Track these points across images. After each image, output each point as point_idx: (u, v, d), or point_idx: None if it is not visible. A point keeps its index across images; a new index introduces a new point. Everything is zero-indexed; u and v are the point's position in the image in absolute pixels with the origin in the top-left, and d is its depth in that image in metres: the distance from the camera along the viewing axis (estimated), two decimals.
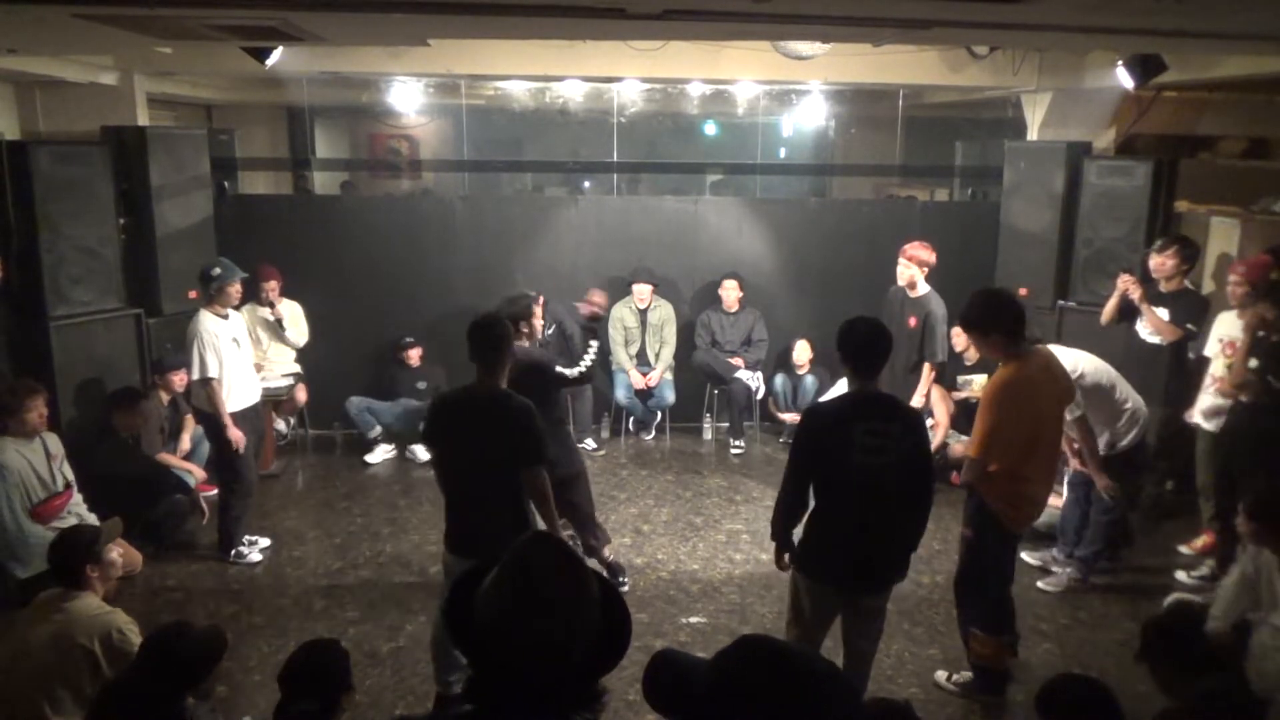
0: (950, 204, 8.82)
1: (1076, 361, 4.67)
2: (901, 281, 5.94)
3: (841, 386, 6.58)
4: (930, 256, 5.87)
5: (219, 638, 3.15)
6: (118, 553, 3.71)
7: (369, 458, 7.08)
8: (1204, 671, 2.98)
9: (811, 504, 3.50)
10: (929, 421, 6.77)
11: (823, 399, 6.54)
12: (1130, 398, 4.89)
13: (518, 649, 1.45)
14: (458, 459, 3.68)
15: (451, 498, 3.73)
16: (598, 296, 7.13)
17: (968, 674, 4.16)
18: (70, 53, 5.93)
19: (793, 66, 6.54)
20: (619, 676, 4.21)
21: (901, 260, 5.90)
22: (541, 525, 3.73)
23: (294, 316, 6.88)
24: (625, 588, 4.98)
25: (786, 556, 3.55)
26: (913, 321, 5.85)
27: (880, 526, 3.38)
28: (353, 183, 10.34)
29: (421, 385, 7.36)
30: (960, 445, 6.58)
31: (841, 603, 3.55)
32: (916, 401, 5.87)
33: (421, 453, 7.08)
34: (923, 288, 5.88)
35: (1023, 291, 6.46)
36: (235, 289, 5.30)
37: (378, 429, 7.14)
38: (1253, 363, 4.94)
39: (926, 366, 5.85)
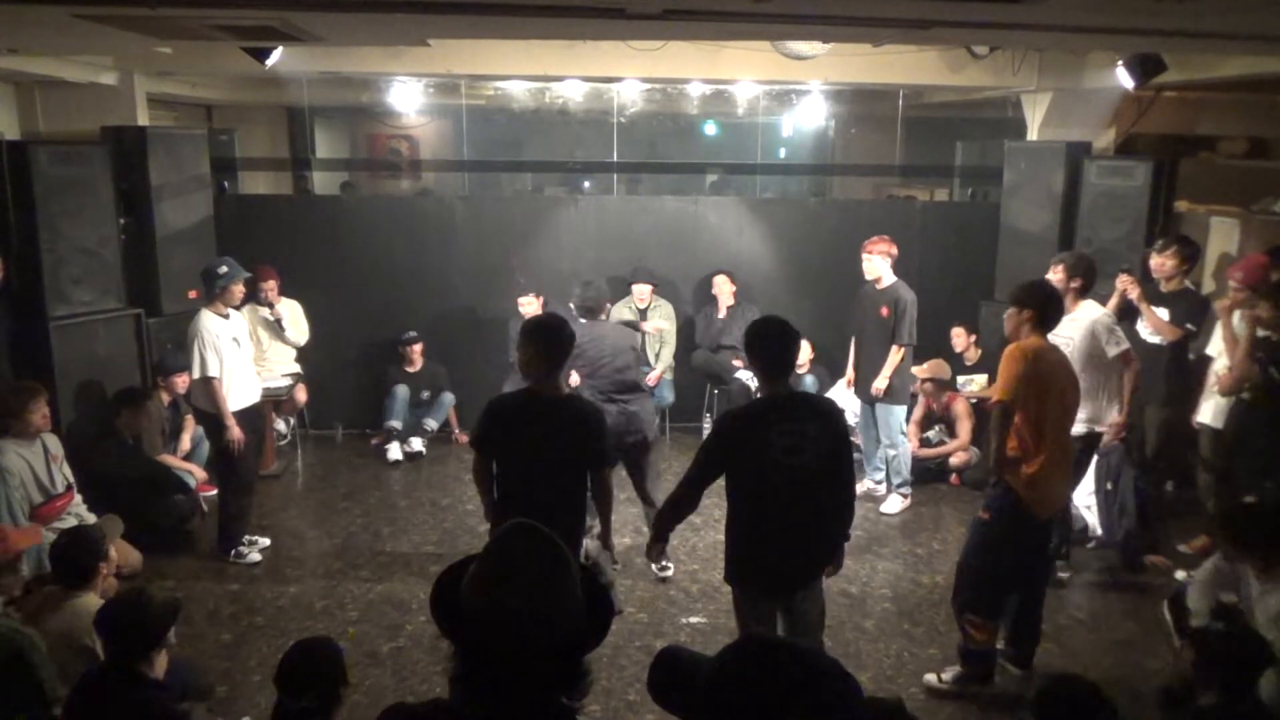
0: (950, 204, 8.82)
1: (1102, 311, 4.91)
2: (869, 276, 6.06)
3: (842, 388, 6.61)
4: (891, 247, 6.00)
5: (171, 602, 3.16)
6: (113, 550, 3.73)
7: (389, 449, 7.07)
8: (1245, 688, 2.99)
9: (729, 513, 3.49)
10: (936, 435, 6.75)
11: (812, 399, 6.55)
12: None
13: (501, 634, 1.50)
14: (524, 464, 3.58)
15: (512, 502, 3.61)
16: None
17: (955, 668, 4.18)
18: (70, 53, 5.93)
19: (793, 66, 6.54)
20: (619, 676, 4.26)
21: (864, 255, 6.02)
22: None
23: (294, 316, 6.87)
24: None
25: (661, 545, 3.62)
26: (884, 311, 5.98)
27: (803, 526, 3.38)
28: (353, 183, 10.33)
29: (425, 394, 7.37)
30: (967, 454, 6.59)
31: (777, 605, 3.54)
32: (880, 382, 5.99)
33: (394, 452, 7.08)
34: (889, 278, 6.01)
35: None
36: (239, 289, 5.31)
37: (399, 424, 7.16)
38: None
39: (894, 349, 5.96)
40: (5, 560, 3.56)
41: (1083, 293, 4.86)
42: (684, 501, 3.49)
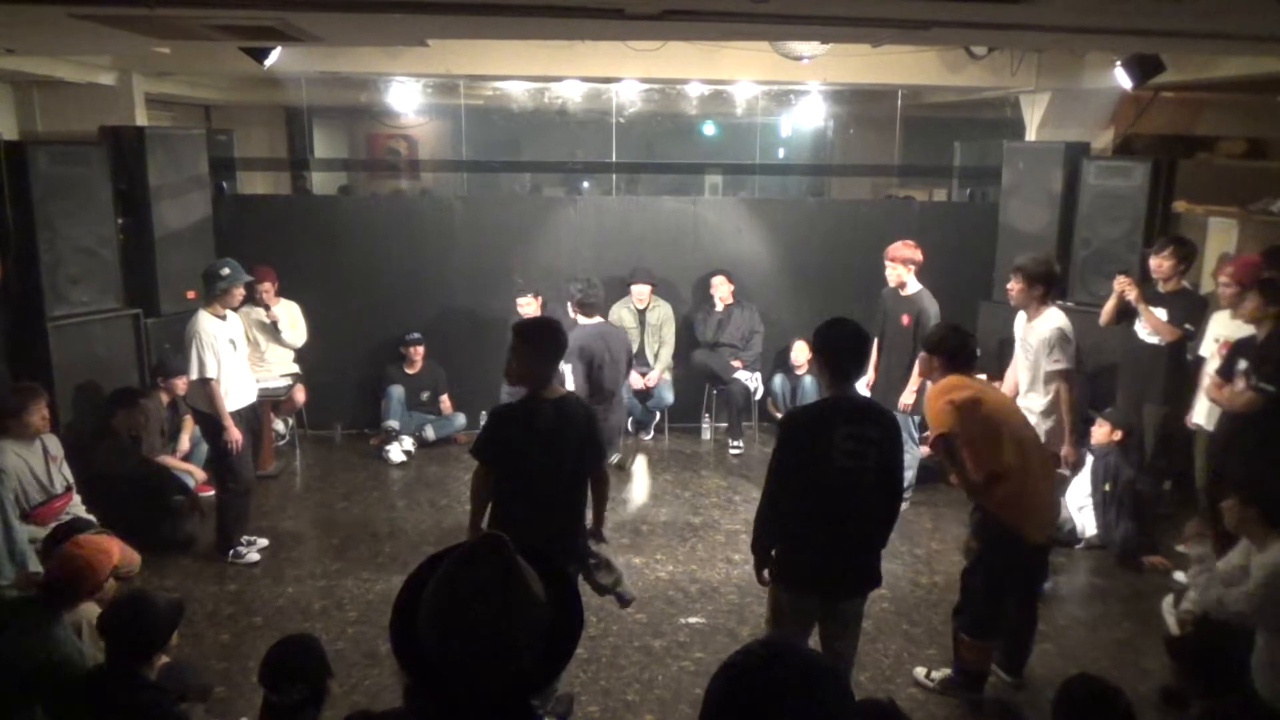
0: (949, 204, 8.82)
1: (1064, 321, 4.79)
2: (891, 283, 5.99)
3: (860, 388, 6.59)
4: (915, 254, 5.90)
5: (175, 605, 3.15)
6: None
7: (390, 450, 7.06)
8: (1227, 689, 3.01)
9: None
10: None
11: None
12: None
13: (447, 666, 1.47)
14: (532, 468, 3.51)
15: (518, 509, 3.51)
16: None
17: (946, 671, 4.18)
18: (68, 53, 5.92)
19: (791, 67, 6.54)
20: (618, 677, 4.26)
21: (887, 262, 5.95)
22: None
23: (292, 317, 6.87)
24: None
25: (766, 572, 3.51)
26: (905, 320, 5.90)
27: (859, 531, 3.38)
28: (350, 186, 10.28)
29: (424, 396, 7.37)
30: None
31: (820, 609, 3.52)
32: (907, 397, 5.91)
33: (395, 454, 7.08)
34: (913, 286, 5.92)
35: None
36: (240, 291, 5.31)
37: (396, 424, 7.15)
38: (1242, 364, 4.94)
39: (918, 363, 5.87)
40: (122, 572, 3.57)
41: (1046, 299, 4.76)
42: (773, 514, 3.45)
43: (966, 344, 4.06)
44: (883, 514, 3.47)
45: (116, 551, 3.58)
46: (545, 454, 3.50)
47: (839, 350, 3.39)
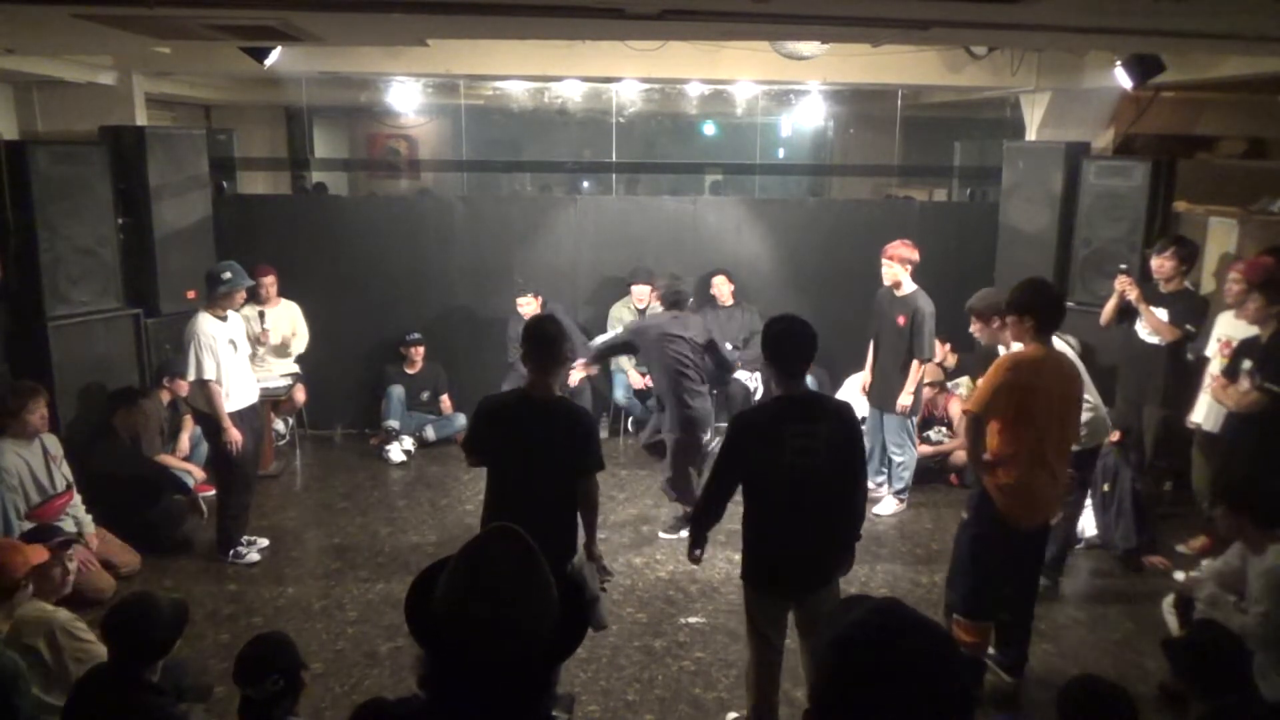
0: (949, 204, 8.81)
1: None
2: (887, 282, 5.96)
3: (849, 387, 6.59)
4: (913, 254, 5.87)
5: (181, 608, 3.15)
6: (79, 562, 3.68)
7: (390, 450, 7.05)
8: (1226, 689, 3.01)
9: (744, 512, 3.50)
10: (937, 435, 6.74)
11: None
12: (1094, 402, 4.92)
13: (467, 642, 1.51)
14: (512, 466, 3.51)
15: (501, 505, 3.52)
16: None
17: None
18: (69, 52, 5.92)
19: (791, 67, 6.54)
20: (618, 676, 4.26)
21: (884, 260, 5.91)
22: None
23: (292, 318, 6.87)
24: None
25: (698, 552, 3.61)
26: (901, 320, 5.88)
27: (816, 527, 3.37)
28: (324, 184, 10.17)
29: (424, 396, 7.37)
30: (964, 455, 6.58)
31: (790, 605, 3.52)
32: (904, 399, 5.90)
33: (395, 454, 7.08)
34: (908, 286, 5.89)
35: None
36: (241, 295, 5.31)
37: (396, 424, 7.16)
38: (1246, 364, 4.93)
39: (915, 364, 5.88)
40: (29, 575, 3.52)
41: (1005, 328, 4.64)
42: (706, 516, 3.51)
43: (1060, 305, 3.91)
44: (844, 508, 3.45)
45: (30, 554, 3.51)
46: (522, 452, 3.47)
47: (783, 348, 3.38)
